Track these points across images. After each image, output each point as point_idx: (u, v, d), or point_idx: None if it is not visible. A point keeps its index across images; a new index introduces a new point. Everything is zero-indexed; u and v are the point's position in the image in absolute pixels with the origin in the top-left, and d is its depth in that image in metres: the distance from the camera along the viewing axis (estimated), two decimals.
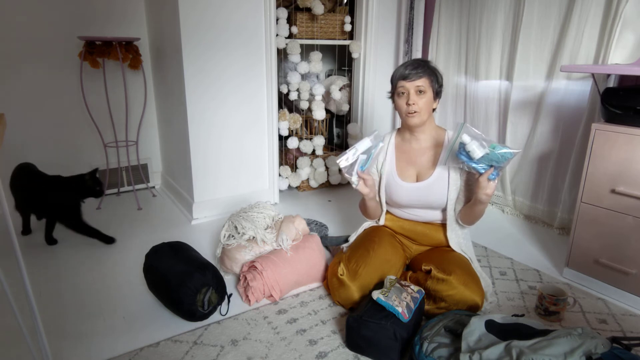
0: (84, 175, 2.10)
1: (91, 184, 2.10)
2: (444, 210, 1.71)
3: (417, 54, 2.89)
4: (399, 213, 1.79)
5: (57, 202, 2.07)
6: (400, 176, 1.71)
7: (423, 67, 1.56)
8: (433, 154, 1.67)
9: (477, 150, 1.35)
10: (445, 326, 1.34)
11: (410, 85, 1.56)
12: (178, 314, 1.56)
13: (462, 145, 1.39)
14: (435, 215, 1.74)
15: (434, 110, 1.65)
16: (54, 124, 2.65)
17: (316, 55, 2.77)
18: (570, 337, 1.12)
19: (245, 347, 1.43)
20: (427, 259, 1.67)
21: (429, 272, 1.55)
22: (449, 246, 1.74)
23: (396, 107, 1.64)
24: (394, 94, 1.63)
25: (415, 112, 1.58)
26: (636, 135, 1.58)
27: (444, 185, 1.65)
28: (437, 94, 1.62)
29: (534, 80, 2.38)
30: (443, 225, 1.75)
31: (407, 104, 1.57)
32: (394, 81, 1.61)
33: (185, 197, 2.62)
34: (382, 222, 1.83)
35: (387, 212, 1.84)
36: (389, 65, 3.05)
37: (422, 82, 1.55)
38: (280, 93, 2.76)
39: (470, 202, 1.59)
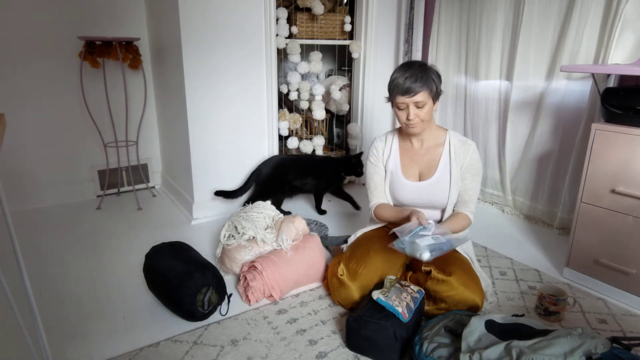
0: (351, 157, 2.59)
1: (356, 165, 2.58)
2: (443, 210, 1.72)
3: (417, 54, 2.89)
4: None
5: (336, 177, 2.63)
6: (404, 174, 1.71)
7: (421, 79, 1.50)
8: (435, 154, 1.68)
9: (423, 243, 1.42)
10: (445, 326, 1.34)
11: (410, 101, 1.53)
12: (178, 314, 1.56)
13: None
14: (437, 216, 1.74)
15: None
16: (54, 124, 2.65)
17: (316, 55, 2.77)
18: (570, 337, 1.12)
19: (245, 347, 1.43)
20: None
21: (428, 272, 1.55)
22: None
23: (396, 116, 1.63)
24: (392, 102, 1.60)
25: (416, 124, 1.57)
26: (636, 135, 1.58)
27: (446, 185, 1.65)
28: (437, 98, 1.58)
29: (534, 80, 2.38)
30: None
31: (408, 119, 1.56)
32: (392, 93, 1.57)
33: (185, 197, 2.62)
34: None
35: None
36: (389, 65, 3.04)
37: (422, 97, 1.51)
38: (280, 93, 2.76)
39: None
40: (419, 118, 1.56)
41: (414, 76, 1.50)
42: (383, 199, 1.77)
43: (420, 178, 1.70)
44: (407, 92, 1.51)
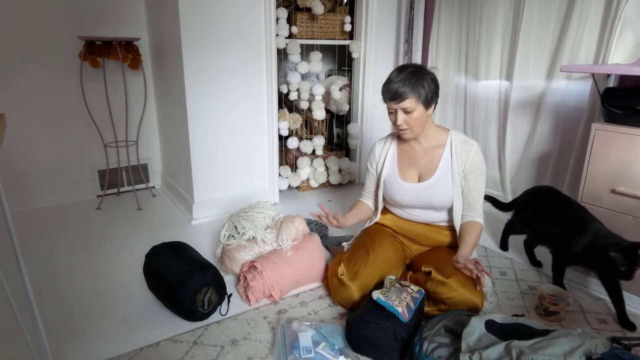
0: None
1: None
2: (450, 212, 1.70)
3: (417, 54, 2.89)
4: (400, 213, 1.79)
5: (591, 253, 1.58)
6: (402, 176, 1.71)
7: (408, 85, 1.49)
8: (435, 155, 1.67)
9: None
10: (445, 326, 1.34)
11: (397, 107, 1.54)
12: (178, 314, 1.56)
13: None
14: (439, 217, 1.73)
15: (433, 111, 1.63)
16: (54, 124, 2.65)
17: (316, 55, 2.77)
18: (570, 337, 1.12)
19: (245, 347, 1.43)
20: (428, 259, 1.67)
21: (428, 273, 1.54)
22: (449, 247, 1.74)
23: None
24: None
25: (405, 129, 1.58)
26: (636, 135, 1.58)
27: (447, 185, 1.64)
28: (429, 104, 1.56)
29: (534, 80, 2.38)
30: (445, 227, 1.75)
31: (396, 123, 1.57)
32: (383, 98, 1.58)
33: (185, 197, 2.62)
34: (376, 219, 1.84)
35: (388, 211, 1.84)
36: (389, 65, 3.04)
37: (408, 104, 1.51)
38: (280, 93, 2.76)
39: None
40: (407, 124, 1.56)
41: (403, 81, 1.50)
42: (366, 199, 1.89)
43: (420, 179, 1.69)
44: (394, 97, 1.52)
